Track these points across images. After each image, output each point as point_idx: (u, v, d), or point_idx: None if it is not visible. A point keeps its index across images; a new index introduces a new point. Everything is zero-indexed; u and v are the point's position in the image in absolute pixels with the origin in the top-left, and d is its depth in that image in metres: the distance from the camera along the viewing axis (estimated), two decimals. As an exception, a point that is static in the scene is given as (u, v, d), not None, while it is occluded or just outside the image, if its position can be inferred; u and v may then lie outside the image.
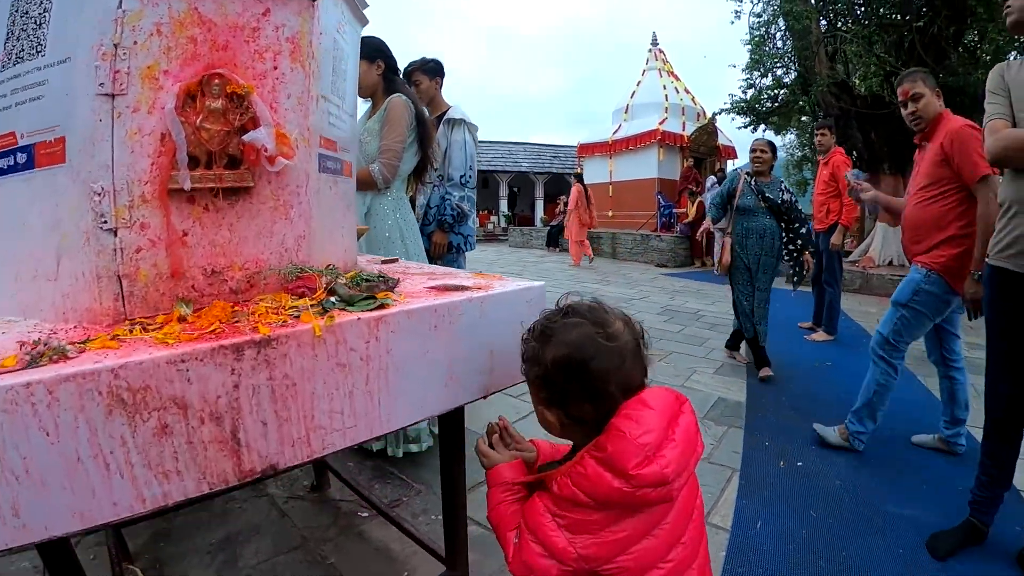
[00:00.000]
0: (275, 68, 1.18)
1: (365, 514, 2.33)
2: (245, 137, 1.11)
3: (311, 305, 1.11)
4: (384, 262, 1.94)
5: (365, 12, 1.65)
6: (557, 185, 25.21)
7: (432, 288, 1.43)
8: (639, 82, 17.56)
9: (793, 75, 12.55)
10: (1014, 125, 1.91)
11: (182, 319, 1.02)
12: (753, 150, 4.48)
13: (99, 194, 0.99)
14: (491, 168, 25.68)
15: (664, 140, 15.17)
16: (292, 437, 1.01)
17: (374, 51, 2.79)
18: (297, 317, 1.06)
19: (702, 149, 15.90)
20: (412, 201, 3.39)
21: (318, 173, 1.31)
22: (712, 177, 14.22)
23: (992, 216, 2.31)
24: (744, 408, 3.85)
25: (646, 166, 15.73)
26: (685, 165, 14.85)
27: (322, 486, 2.53)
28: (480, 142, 21.80)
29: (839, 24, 11.37)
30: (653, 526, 0.96)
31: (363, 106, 2.90)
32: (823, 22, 11.45)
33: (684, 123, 15.88)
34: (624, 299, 8.08)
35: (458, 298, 1.32)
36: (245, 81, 1.12)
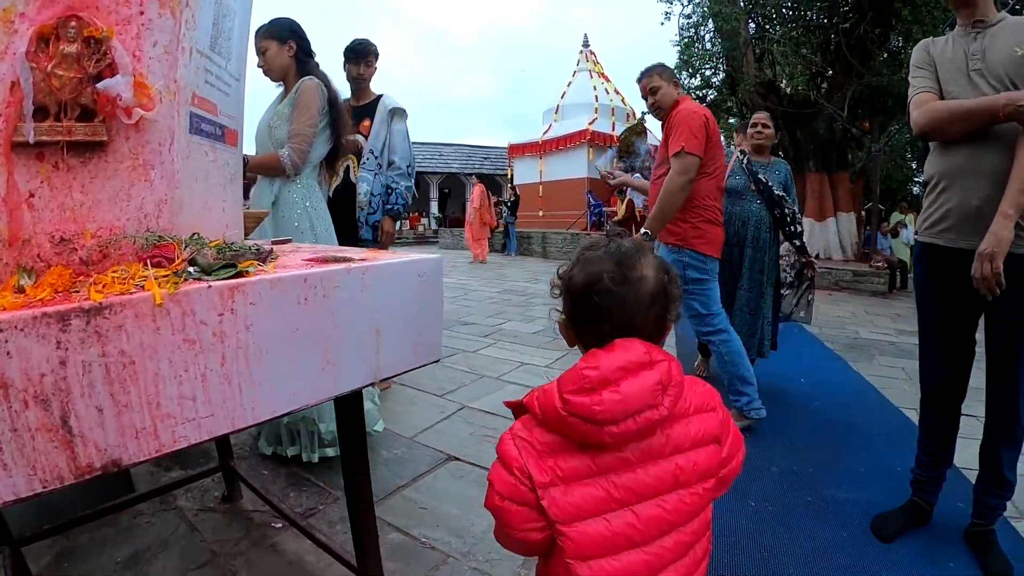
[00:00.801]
0: (141, 13, 1.07)
1: (279, 525, 2.18)
2: (99, 85, 1.00)
3: (164, 276, 0.94)
4: (275, 243, 1.71)
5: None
6: (488, 186, 24.87)
7: (310, 259, 1.26)
8: (569, 83, 17.43)
9: (721, 76, 12.58)
10: (941, 99, 1.89)
11: (19, 290, 0.88)
12: (754, 124, 3.62)
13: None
14: (422, 169, 25.09)
15: (594, 140, 15.03)
16: (135, 427, 0.87)
17: (285, 31, 2.60)
18: (142, 287, 0.90)
19: (632, 149, 15.90)
20: (350, 188, 3.41)
21: (188, 134, 1.19)
22: (638, 175, 14.15)
23: (673, 190, 2.72)
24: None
25: (576, 166, 15.53)
26: (613, 164, 14.77)
27: (234, 497, 2.37)
28: (411, 143, 21.56)
29: (767, 27, 11.48)
30: (595, 473, 0.90)
31: (276, 91, 2.74)
32: (751, 25, 11.52)
33: (614, 123, 15.79)
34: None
35: (334, 268, 1.16)
36: (107, 25, 1.02)
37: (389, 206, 3.46)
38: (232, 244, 1.18)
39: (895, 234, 11.07)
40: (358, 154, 3.44)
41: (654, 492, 0.92)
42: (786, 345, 4.01)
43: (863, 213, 11.88)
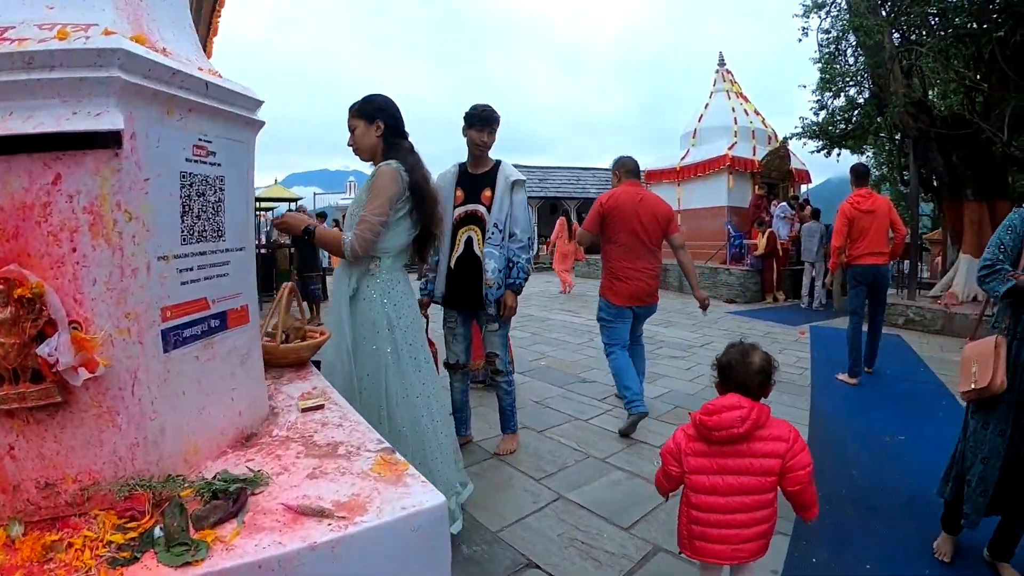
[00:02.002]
0: (74, 251, 1.02)
1: None
2: (37, 351, 0.98)
3: (125, 543, 0.99)
4: (305, 410, 1.73)
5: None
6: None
7: (289, 508, 1.14)
8: (707, 104, 17.11)
9: (867, 94, 11.82)
10: None
11: (10, 543, 0.97)
12: None
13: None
14: (559, 195, 25.55)
15: (734, 166, 14.68)
16: None
17: (373, 109, 2.60)
18: (110, 561, 0.95)
19: (774, 174, 15.27)
20: (473, 257, 3.48)
21: (162, 356, 1.16)
22: (784, 204, 13.56)
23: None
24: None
25: (715, 193, 15.25)
26: (755, 192, 14.28)
27: None
28: (547, 168, 21.87)
29: (913, 37, 10.64)
30: (707, 454, 1.91)
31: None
32: (896, 36, 10.74)
33: (755, 147, 15.30)
34: (684, 345, 7.81)
35: (293, 548, 1.01)
36: (40, 274, 0.99)
37: (511, 280, 3.48)
38: (220, 477, 1.19)
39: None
40: (482, 224, 3.47)
41: (733, 471, 1.85)
42: (936, 421, 4.11)
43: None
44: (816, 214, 12.16)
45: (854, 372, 5.72)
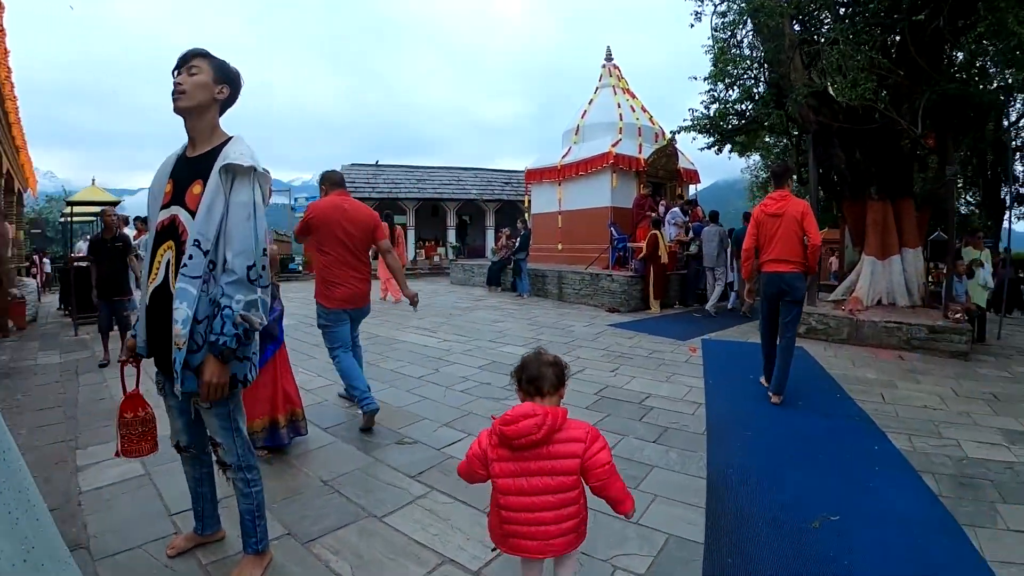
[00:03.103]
0: None
1: None
2: None
3: None
4: None
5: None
6: (509, 214, 23.22)
7: None
8: (591, 100, 15.75)
9: (762, 87, 10.74)
10: None
11: None
12: None
13: None
14: (439, 196, 23.71)
15: (618, 164, 13.26)
16: None
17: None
18: None
19: (661, 173, 14.08)
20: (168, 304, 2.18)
21: None
22: (675, 210, 12.32)
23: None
24: None
25: (598, 193, 13.77)
26: (640, 191, 12.96)
27: None
28: (426, 168, 20.05)
29: (818, 24, 9.62)
30: (512, 459, 1.95)
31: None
32: (796, 27, 9.68)
33: (641, 145, 14.04)
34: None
35: None
36: None
37: (214, 337, 2.11)
38: None
39: (970, 275, 9.04)
40: (181, 240, 2.24)
41: (536, 472, 1.92)
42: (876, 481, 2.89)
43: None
44: (715, 216, 11.00)
45: (773, 390, 5.10)
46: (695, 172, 15.57)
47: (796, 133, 11.35)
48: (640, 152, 13.76)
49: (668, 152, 13.93)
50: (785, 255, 5.01)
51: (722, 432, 4.22)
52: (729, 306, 11.01)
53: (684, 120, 11.27)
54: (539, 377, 2.00)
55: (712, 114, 11.03)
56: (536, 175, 15.94)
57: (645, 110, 15.46)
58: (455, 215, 24.22)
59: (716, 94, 11.06)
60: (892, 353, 7.12)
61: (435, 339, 7.81)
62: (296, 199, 22.72)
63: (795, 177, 17.03)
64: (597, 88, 15.92)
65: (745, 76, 10.90)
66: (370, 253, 4.69)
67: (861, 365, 6.46)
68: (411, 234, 23.45)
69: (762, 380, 5.50)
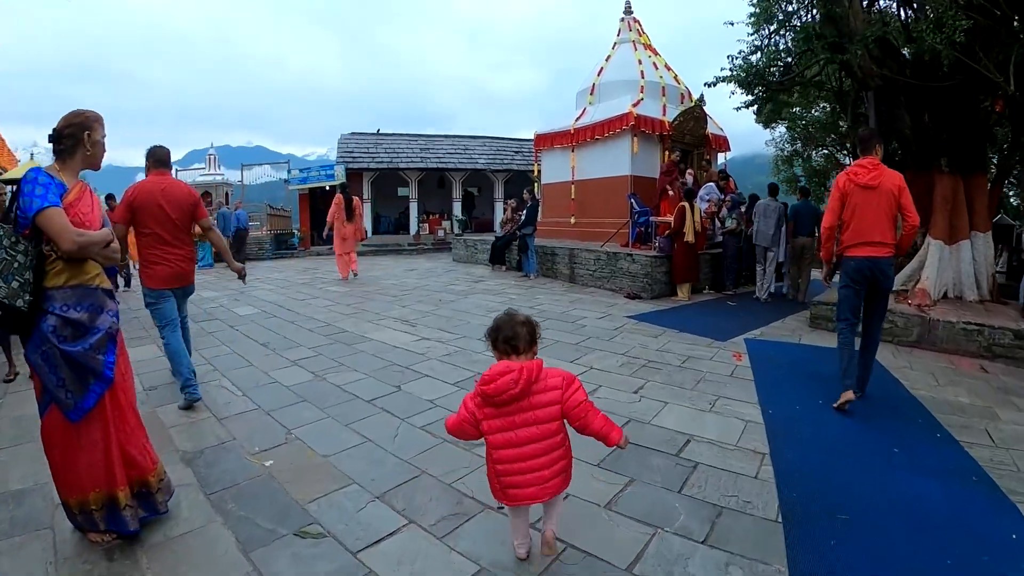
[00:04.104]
0: None
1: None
2: None
3: None
4: None
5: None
6: (520, 185, 21.63)
7: None
8: (608, 57, 14.12)
9: (816, 24, 8.99)
10: None
11: None
12: None
13: None
14: (443, 166, 22.17)
15: (639, 126, 11.74)
16: None
17: None
18: None
19: (687, 138, 12.49)
20: None
21: None
22: (711, 185, 10.78)
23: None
24: None
25: (617, 160, 12.28)
26: (668, 159, 11.37)
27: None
28: (430, 136, 18.47)
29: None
30: (498, 416, 2.18)
31: None
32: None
33: (664, 106, 12.49)
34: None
35: None
36: None
37: None
38: None
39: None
40: None
41: (522, 424, 2.16)
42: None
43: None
44: (774, 190, 9.60)
45: (847, 385, 4.37)
46: (725, 139, 13.92)
47: (849, 92, 9.72)
48: (664, 114, 12.23)
49: (696, 115, 12.35)
50: (880, 236, 4.37)
51: (804, 515, 2.85)
52: (774, 291, 9.73)
53: (722, 69, 9.65)
54: (514, 336, 2.23)
55: (756, 63, 9.38)
56: (546, 140, 14.39)
57: (669, 68, 13.83)
58: (460, 186, 22.70)
59: (759, 41, 9.42)
60: (972, 362, 5.80)
61: (412, 336, 6.42)
62: (291, 172, 21.22)
63: (836, 141, 15.37)
64: (615, 44, 14.28)
65: (793, 16, 9.21)
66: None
67: (946, 382, 5.15)
68: (414, 207, 22.04)
69: (841, 399, 4.33)
